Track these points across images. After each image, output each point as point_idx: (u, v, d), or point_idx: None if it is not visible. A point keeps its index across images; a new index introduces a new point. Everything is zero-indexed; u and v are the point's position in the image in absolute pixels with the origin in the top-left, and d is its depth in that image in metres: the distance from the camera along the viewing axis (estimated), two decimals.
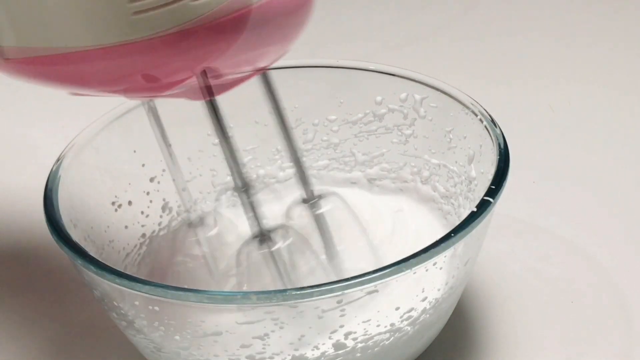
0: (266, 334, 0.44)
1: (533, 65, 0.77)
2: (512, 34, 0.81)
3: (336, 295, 0.42)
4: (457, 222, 0.55)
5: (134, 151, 0.60)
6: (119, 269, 0.43)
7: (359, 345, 0.45)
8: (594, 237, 0.62)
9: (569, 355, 0.53)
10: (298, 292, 0.41)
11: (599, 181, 0.67)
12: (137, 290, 0.42)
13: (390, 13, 0.95)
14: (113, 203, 0.57)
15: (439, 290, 0.47)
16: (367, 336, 0.45)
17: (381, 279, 0.41)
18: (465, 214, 0.54)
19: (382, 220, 0.59)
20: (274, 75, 0.62)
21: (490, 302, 0.58)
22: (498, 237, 0.60)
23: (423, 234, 0.57)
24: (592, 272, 0.59)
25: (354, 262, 0.54)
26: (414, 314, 0.46)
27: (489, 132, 0.52)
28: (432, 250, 0.42)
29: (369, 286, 0.41)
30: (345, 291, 0.41)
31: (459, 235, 0.43)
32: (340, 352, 0.45)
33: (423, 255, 0.42)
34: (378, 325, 0.45)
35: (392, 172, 0.63)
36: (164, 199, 0.62)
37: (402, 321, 0.46)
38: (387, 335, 0.46)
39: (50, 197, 0.49)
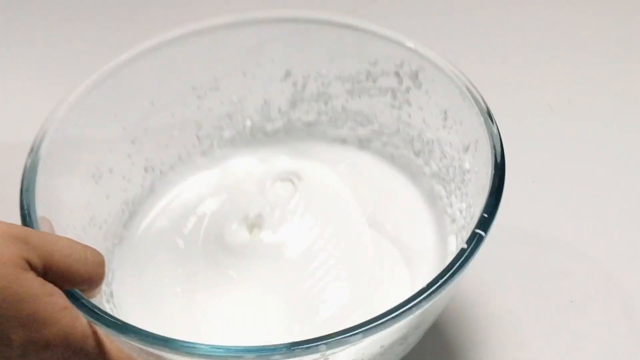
0: None
1: (533, 65, 0.74)
2: (511, 34, 0.77)
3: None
4: (446, 212, 0.54)
5: (114, 115, 0.57)
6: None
7: None
8: (593, 236, 0.62)
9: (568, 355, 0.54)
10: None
11: (599, 181, 0.65)
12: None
13: None
14: (93, 175, 0.55)
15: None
16: None
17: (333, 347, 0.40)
18: (457, 209, 0.52)
19: (366, 198, 0.58)
20: (265, 27, 0.59)
21: (484, 303, 0.58)
22: (497, 237, 0.59)
23: (406, 218, 0.56)
24: (592, 271, 0.59)
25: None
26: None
27: (486, 129, 0.50)
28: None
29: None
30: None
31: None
32: None
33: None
34: None
35: (384, 135, 0.60)
36: (146, 159, 0.59)
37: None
38: None
39: (26, 201, 0.47)
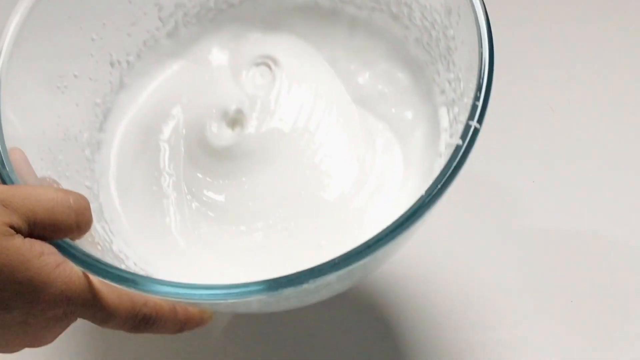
0: None
1: (533, 65, 0.70)
2: (511, 34, 0.70)
3: None
4: (434, 81, 0.52)
5: (69, 17, 0.53)
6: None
7: None
8: (593, 236, 0.61)
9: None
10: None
11: (599, 181, 0.64)
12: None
13: None
14: (58, 87, 0.52)
15: None
16: None
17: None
18: (445, 80, 0.50)
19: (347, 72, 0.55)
20: None
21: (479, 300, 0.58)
22: (498, 237, 0.60)
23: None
24: (592, 271, 0.59)
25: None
26: None
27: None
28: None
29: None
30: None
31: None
32: None
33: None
34: None
35: None
36: (110, 53, 0.56)
37: None
38: None
39: None
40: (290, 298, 0.44)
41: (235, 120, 0.55)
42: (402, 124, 0.53)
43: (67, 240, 0.41)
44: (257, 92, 0.55)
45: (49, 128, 0.50)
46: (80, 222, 0.41)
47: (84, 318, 0.41)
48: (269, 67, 0.56)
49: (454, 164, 0.41)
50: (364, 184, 0.52)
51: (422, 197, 0.40)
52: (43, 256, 0.39)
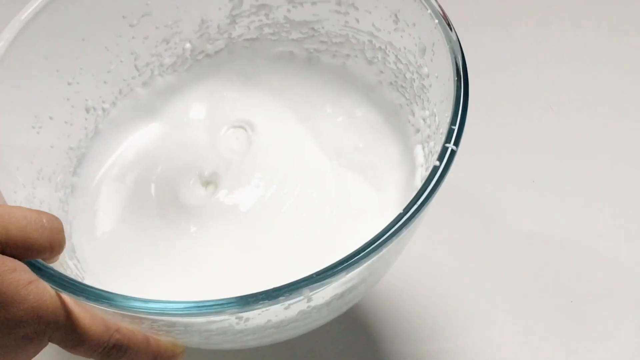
0: (231, 325, 0.42)
1: (533, 65, 0.71)
2: (511, 34, 0.74)
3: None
4: (409, 121, 0.52)
5: (45, 58, 0.53)
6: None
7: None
8: (594, 236, 0.61)
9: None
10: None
11: (599, 181, 0.64)
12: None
13: None
14: (33, 127, 0.52)
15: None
16: None
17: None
18: (420, 118, 0.51)
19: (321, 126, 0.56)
20: None
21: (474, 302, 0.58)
22: (498, 237, 0.60)
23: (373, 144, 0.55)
24: (593, 271, 0.59)
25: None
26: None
27: (442, 31, 0.47)
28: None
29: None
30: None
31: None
32: None
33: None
34: None
35: (333, 45, 0.57)
36: (85, 99, 0.56)
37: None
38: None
39: None
40: (268, 328, 0.43)
41: (209, 180, 0.55)
42: (377, 172, 0.53)
43: (40, 260, 0.40)
44: (233, 156, 0.56)
45: (23, 164, 0.50)
46: (53, 241, 0.40)
47: (54, 341, 0.40)
48: (245, 130, 0.57)
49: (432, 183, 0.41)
50: (340, 224, 0.52)
51: (400, 214, 0.40)
52: (15, 272, 0.38)
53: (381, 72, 0.55)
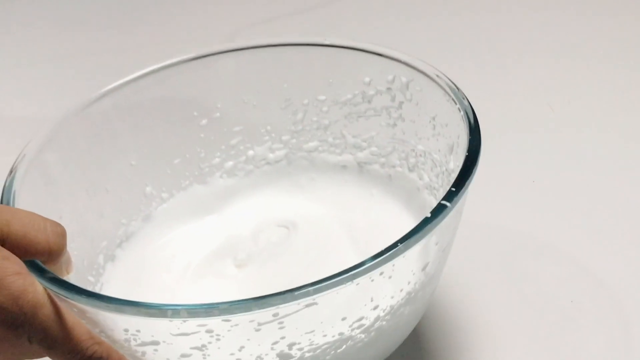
0: (204, 345, 0.42)
1: (533, 65, 0.74)
2: (512, 34, 0.79)
3: (270, 310, 0.40)
4: None
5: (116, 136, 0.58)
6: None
7: (307, 354, 0.43)
8: (594, 236, 0.60)
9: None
10: (228, 307, 0.39)
11: (599, 181, 0.64)
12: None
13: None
14: (87, 190, 0.56)
15: (392, 297, 0.44)
16: (313, 346, 0.43)
17: (318, 292, 0.39)
18: None
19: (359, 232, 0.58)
20: (262, 53, 0.60)
21: (472, 303, 0.56)
22: (498, 237, 0.60)
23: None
24: (593, 272, 0.57)
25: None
26: (366, 322, 0.44)
27: (465, 123, 0.49)
28: (375, 261, 0.40)
29: (306, 300, 0.39)
30: (280, 305, 0.39)
31: (406, 243, 0.41)
32: None
33: (365, 267, 0.40)
34: (325, 335, 0.43)
35: (381, 156, 0.60)
36: (146, 184, 0.60)
37: (352, 330, 0.43)
38: (338, 343, 0.44)
39: None
40: None
41: (241, 264, 0.57)
42: None
43: (37, 261, 0.42)
44: (269, 246, 0.58)
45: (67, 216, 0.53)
46: (52, 244, 0.42)
47: (33, 340, 0.41)
48: (287, 228, 0.59)
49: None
50: None
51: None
52: (5, 260, 0.40)
53: (420, 178, 0.57)
